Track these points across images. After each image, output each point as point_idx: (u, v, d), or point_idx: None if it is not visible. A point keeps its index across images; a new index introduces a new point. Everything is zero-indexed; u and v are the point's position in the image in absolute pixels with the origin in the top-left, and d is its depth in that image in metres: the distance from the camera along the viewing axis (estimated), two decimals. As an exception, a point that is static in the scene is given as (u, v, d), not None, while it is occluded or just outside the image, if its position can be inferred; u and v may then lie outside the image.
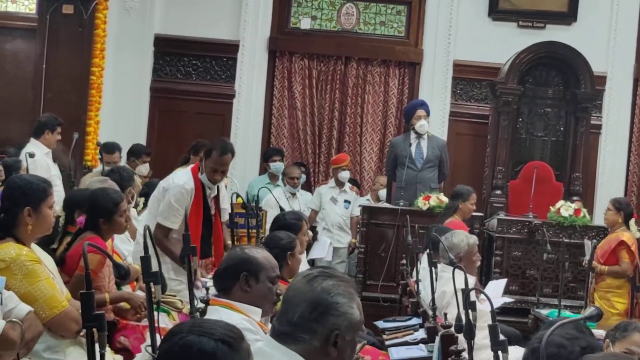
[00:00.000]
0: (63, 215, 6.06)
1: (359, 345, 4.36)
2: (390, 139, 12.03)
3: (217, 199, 7.32)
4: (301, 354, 2.89)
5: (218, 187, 7.29)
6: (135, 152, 10.61)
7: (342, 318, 2.92)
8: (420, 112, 10.63)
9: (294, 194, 10.99)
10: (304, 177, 11.60)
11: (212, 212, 7.28)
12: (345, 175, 11.19)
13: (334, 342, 2.91)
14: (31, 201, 4.57)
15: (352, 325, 2.95)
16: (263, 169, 11.89)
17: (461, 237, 6.90)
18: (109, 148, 10.15)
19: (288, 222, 6.75)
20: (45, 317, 4.43)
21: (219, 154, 7.01)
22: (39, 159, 8.86)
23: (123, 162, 10.17)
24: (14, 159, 8.71)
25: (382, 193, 11.39)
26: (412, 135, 10.62)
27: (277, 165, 11.25)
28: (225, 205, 7.46)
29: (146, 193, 8.11)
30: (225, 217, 7.46)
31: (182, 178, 7.18)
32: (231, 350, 2.37)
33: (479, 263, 7.16)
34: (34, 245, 4.75)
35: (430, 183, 10.48)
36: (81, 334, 4.62)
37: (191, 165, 7.51)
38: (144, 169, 10.39)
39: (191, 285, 4.62)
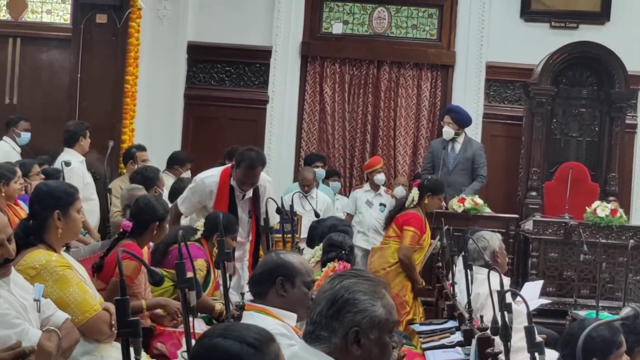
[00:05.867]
0: (202, 230, 6.48)
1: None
2: (422, 142, 12.06)
3: (255, 202, 7.36)
4: (326, 352, 2.84)
5: (257, 190, 7.34)
6: (178, 160, 10.56)
7: (361, 315, 2.83)
8: (446, 118, 10.74)
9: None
10: (339, 185, 11.66)
11: (246, 213, 7.34)
12: (381, 177, 11.13)
13: (356, 340, 2.83)
14: (60, 205, 4.63)
15: (376, 323, 2.85)
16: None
17: (490, 237, 6.92)
18: (142, 146, 10.14)
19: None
20: (78, 322, 4.45)
21: (246, 168, 7.13)
22: (75, 168, 8.89)
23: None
24: (54, 168, 8.74)
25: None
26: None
27: (319, 172, 11.02)
28: (263, 209, 7.33)
29: (177, 188, 8.23)
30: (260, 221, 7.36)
31: (207, 173, 7.46)
32: (257, 352, 2.38)
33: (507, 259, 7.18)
34: (63, 251, 4.79)
35: (461, 187, 10.43)
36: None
37: (228, 165, 7.54)
38: (186, 176, 10.35)
39: (227, 291, 4.64)
